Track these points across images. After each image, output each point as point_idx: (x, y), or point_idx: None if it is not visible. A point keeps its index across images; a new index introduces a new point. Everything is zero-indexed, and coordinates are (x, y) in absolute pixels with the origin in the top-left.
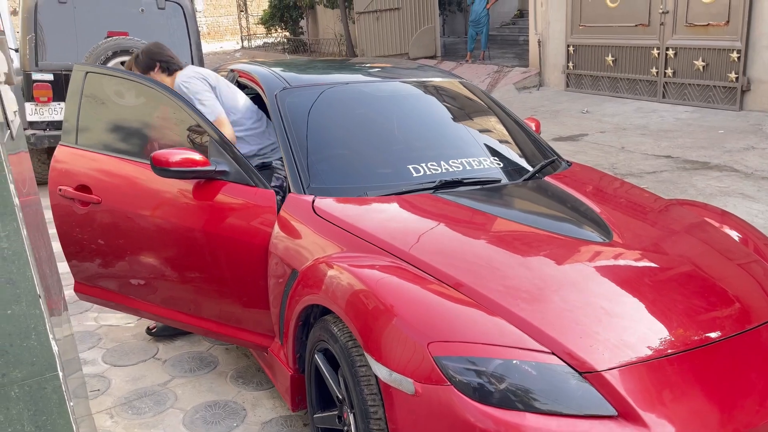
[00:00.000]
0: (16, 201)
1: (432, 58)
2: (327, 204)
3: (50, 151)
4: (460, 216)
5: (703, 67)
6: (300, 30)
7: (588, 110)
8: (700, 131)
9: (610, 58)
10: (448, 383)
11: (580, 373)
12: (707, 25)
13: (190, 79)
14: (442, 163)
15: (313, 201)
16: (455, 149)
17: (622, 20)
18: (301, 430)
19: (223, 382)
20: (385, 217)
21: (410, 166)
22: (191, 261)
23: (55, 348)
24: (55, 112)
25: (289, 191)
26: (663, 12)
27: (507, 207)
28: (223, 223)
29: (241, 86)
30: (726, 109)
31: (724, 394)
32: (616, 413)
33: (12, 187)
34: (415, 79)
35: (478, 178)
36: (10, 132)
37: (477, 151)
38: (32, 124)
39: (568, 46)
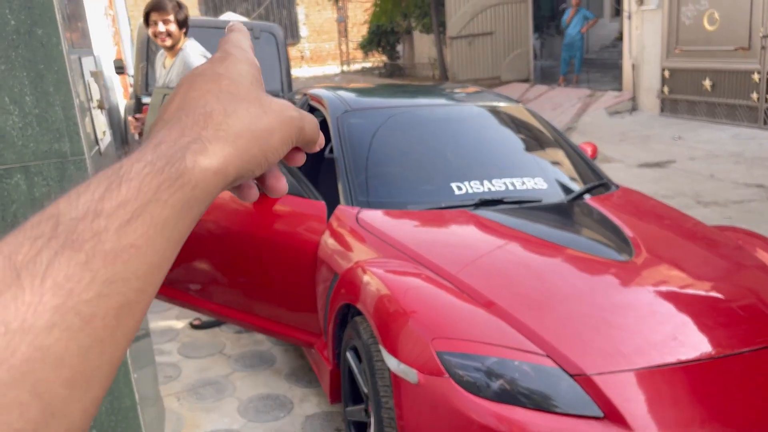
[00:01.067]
0: None
1: (525, 81)
2: (369, 215)
3: None
4: (487, 230)
5: None
6: (396, 54)
7: (680, 136)
8: None
9: (707, 83)
10: (447, 375)
11: (571, 376)
12: None
13: (195, 54)
14: (485, 182)
15: (358, 212)
16: (500, 170)
17: (721, 43)
18: (339, 424)
19: (278, 378)
20: (418, 228)
21: (453, 184)
22: (251, 264)
23: None
24: None
25: (341, 203)
26: (764, 35)
27: (537, 224)
28: (279, 231)
29: (312, 109)
30: None
31: (715, 408)
32: (603, 415)
33: None
34: (471, 104)
35: (518, 198)
36: (98, 148)
37: (522, 172)
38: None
39: (663, 70)
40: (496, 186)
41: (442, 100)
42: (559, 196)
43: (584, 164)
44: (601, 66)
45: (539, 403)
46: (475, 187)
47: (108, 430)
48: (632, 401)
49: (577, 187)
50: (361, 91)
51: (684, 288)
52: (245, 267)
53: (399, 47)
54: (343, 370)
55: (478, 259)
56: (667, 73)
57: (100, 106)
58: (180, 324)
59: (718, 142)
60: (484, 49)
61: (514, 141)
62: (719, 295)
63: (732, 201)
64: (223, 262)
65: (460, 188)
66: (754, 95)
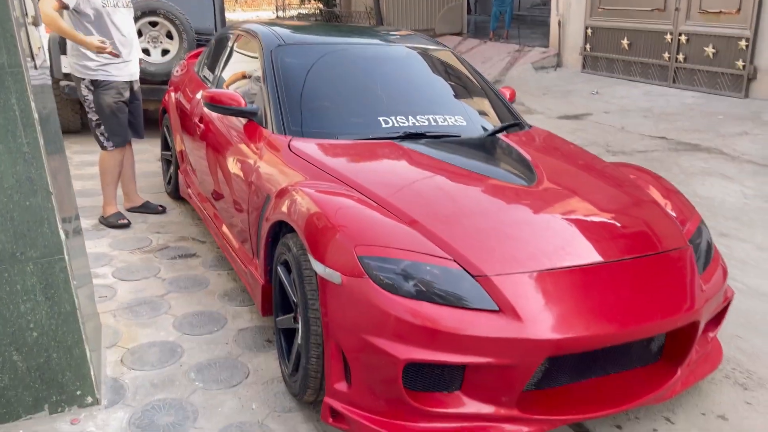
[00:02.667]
0: (36, 116)
1: (458, 35)
2: (301, 143)
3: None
4: (410, 159)
5: (713, 53)
6: (333, 2)
7: (598, 92)
8: (701, 116)
9: (625, 42)
10: (366, 276)
11: (473, 276)
12: (719, 12)
13: None
14: (410, 117)
15: (290, 140)
16: (424, 107)
17: (640, 4)
18: (270, 336)
19: (212, 298)
20: (347, 156)
21: (381, 118)
22: (223, 176)
23: (62, 236)
24: None
25: (274, 132)
26: None
27: (455, 155)
28: (239, 150)
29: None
30: (732, 96)
31: (594, 305)
32: (498, 309)
33: (33, 104)
34: (402, 45)
35: (439, 132)
36: (34, 63)
37: (444, 109)
38: (66, 76)
39: (587, 28)
40: (420, 121)
41: (375, 40)
42: (477, 132)
43: (502, 106)
44: (531, 23)
45: (446, 299)
46: (400, 122)
47: (49, 333)
48: (523, 297)
49: (493, 125)
50: (295, 28)
51: (577, 209)
52: (218, 183)
53: None
54: (275, 284)
55: (400, 183)
56: (589, 31)
57: (35, 23)
58: (114, 251)
59: (631, 98)
60: (419, 1)
61: (439, 82)
62: (607, 215)
63: (637, 151)
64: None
65: (387, 122)
66: (666, 55)
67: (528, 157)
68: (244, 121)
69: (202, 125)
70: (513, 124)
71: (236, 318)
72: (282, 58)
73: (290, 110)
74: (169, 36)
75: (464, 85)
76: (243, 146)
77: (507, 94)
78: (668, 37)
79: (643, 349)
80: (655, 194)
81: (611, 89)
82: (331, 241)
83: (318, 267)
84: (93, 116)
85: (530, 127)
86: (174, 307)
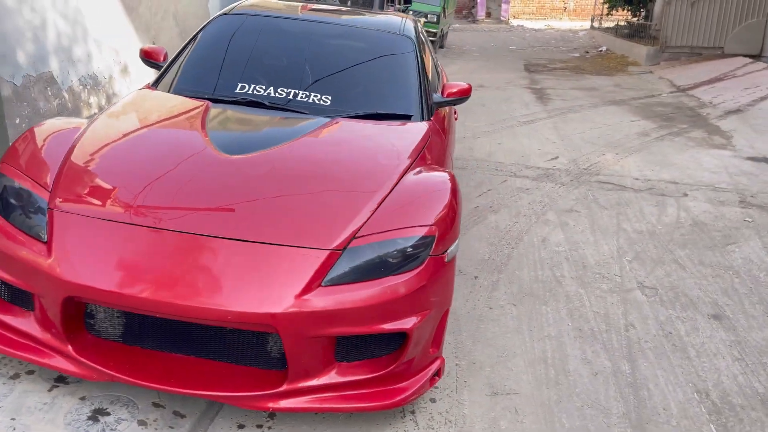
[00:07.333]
0: None
1: (753, 57)
2: (135, 94)
3: None
4: (184, 116)
5: None
6: (640, 12)
7: None
8: None
9: None
10: None
11: (50, 208)
12: None
13: None
14: (272, 88)
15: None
16: (297, 81)
17: None
18: None
19: None
20: (150, 110)
21: (239, 83)
22: None
23: None
24: None
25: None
26: None
27: (240, 123)
28: None
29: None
30: None
31: (141, 269)
32: (45, 240)
33: None
34: (352, 26)
35: (276, 105)
36: None
37: (319, 88)
38: None
39: None
40: (279, 93)
41: (326, 19)
42: (337, 114)
43: (414, 99)
44: None
45: (15, 220)
46: (257, 90)
47: None
48: (70, 237)
49: (368, 111)
50: (278, 3)
51: (235, 186)
52: None
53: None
54: None
55: (129, 130)
56: None
57: None
58: None
59: None
60: (708, 14)
61: (350, 62)
62: (255, 198)
63: None
64: None
65: (243, 88)
66: None
67: (307, 140)
68: None
69: None
70: (388, 114)
71: None
72: (212, 25)
73: (170, 69)
74: None
75: (387, 73)
76: None
77: (456, 88)
78: None
79: (259, 349)
80: (401, 196)
81: None
82: None
83: None
84: None
85: (428, 120)
86: None
